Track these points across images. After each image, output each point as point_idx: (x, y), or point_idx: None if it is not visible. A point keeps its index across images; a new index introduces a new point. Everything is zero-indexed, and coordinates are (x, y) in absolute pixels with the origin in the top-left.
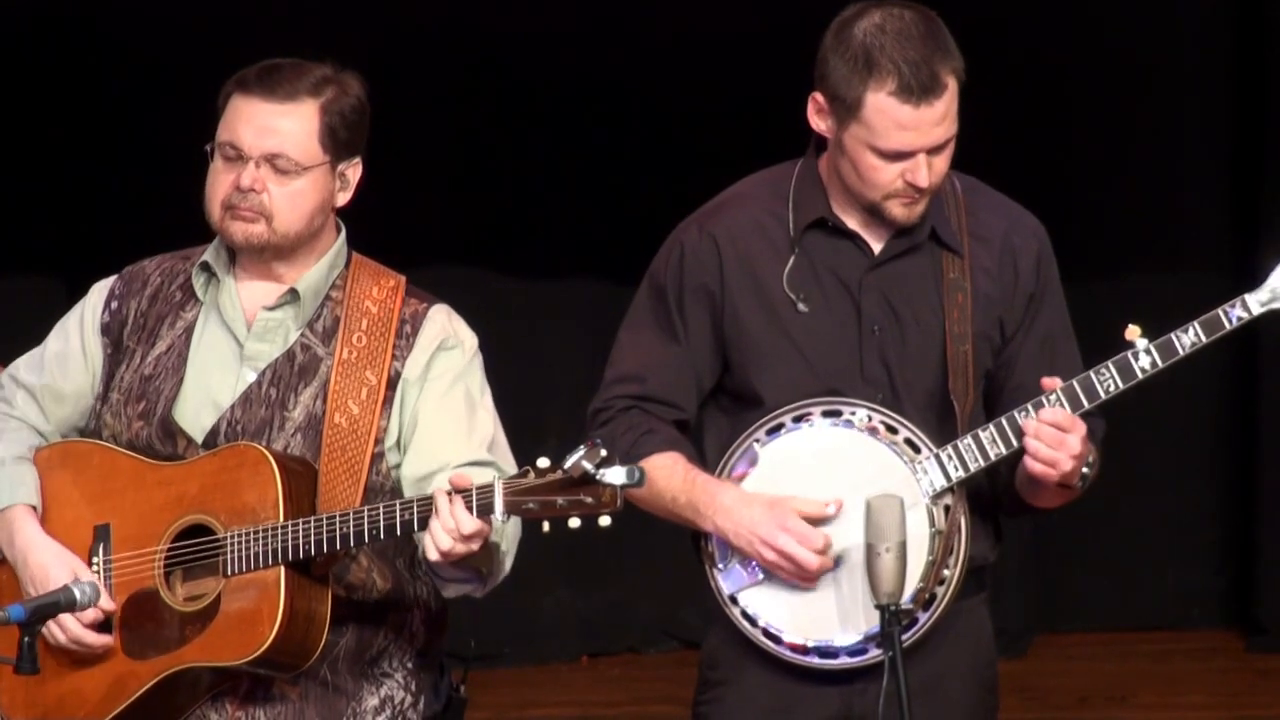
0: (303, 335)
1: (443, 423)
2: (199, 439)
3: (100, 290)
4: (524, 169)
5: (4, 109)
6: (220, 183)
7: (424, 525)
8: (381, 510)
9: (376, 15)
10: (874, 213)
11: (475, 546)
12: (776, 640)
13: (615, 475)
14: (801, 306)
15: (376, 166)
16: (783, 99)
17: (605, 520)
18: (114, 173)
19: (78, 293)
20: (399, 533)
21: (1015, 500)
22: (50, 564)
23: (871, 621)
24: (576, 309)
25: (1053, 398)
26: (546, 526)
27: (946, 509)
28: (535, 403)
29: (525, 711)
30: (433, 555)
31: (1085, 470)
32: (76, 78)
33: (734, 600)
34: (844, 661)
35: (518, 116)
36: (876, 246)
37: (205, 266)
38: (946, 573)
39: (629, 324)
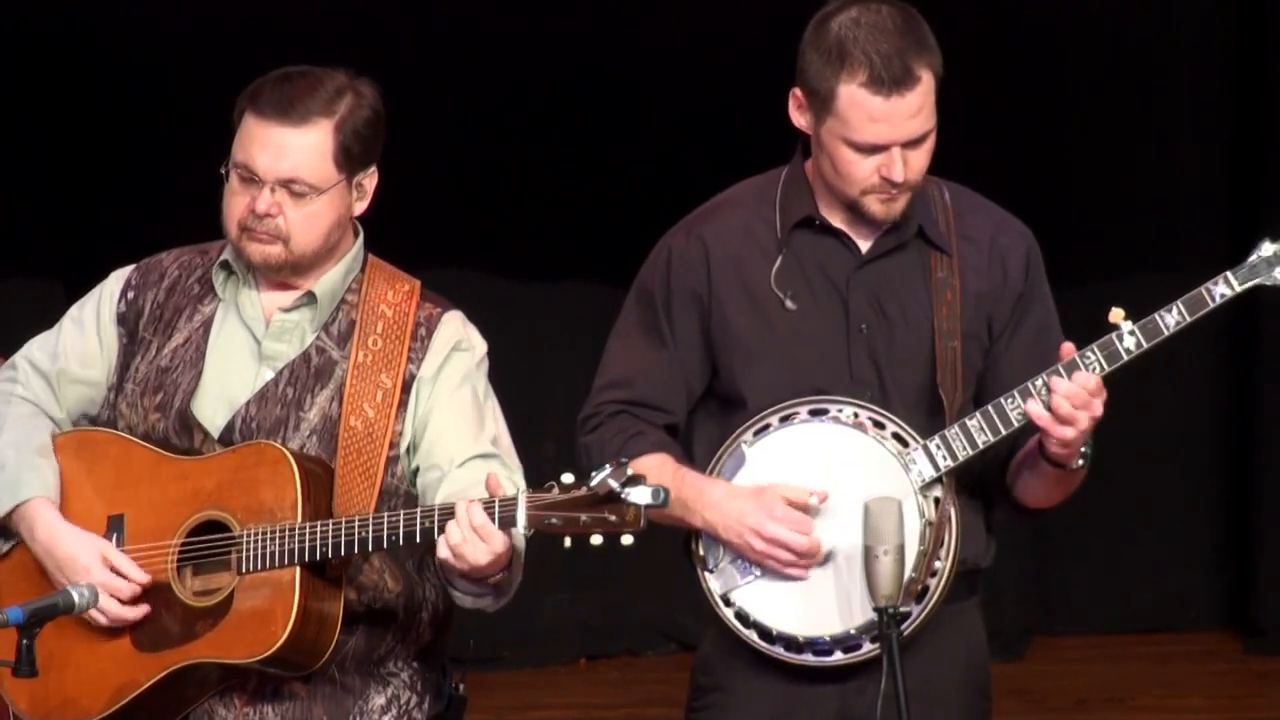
0: (318, 338)
1: (451, 418)
2: (215, 434)
3: (117, 279)
4: (523, 171)
5: (3, 111)
6: (236, 204)
7: (442, 532)
8: (402, 517)
9: (375, 16)
10: (854, 210)
11: (496, 546)
12: (770, 638)
13: (640, 495)
14: (789, 304)
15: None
16: (784, 102)
17: (628, 539)
18: (114, 174)
19: (76, 294)
20: (419, 540)
21: (1008, 499)
22: (77, 550)
23: (866, 613)
24: (576, 311)
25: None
26: (568, 542)
27: (936, 501)
28: (534, 405)
29: (524, 714)
30: (443, 552)
31: (1085, 449)
32: (76, 80)
33: (726, 600)
34: (838, 658)
35: (517, 119)
36: (864, 245)
37: (226, 265)
38: (938, 564)
39: (617, 331)
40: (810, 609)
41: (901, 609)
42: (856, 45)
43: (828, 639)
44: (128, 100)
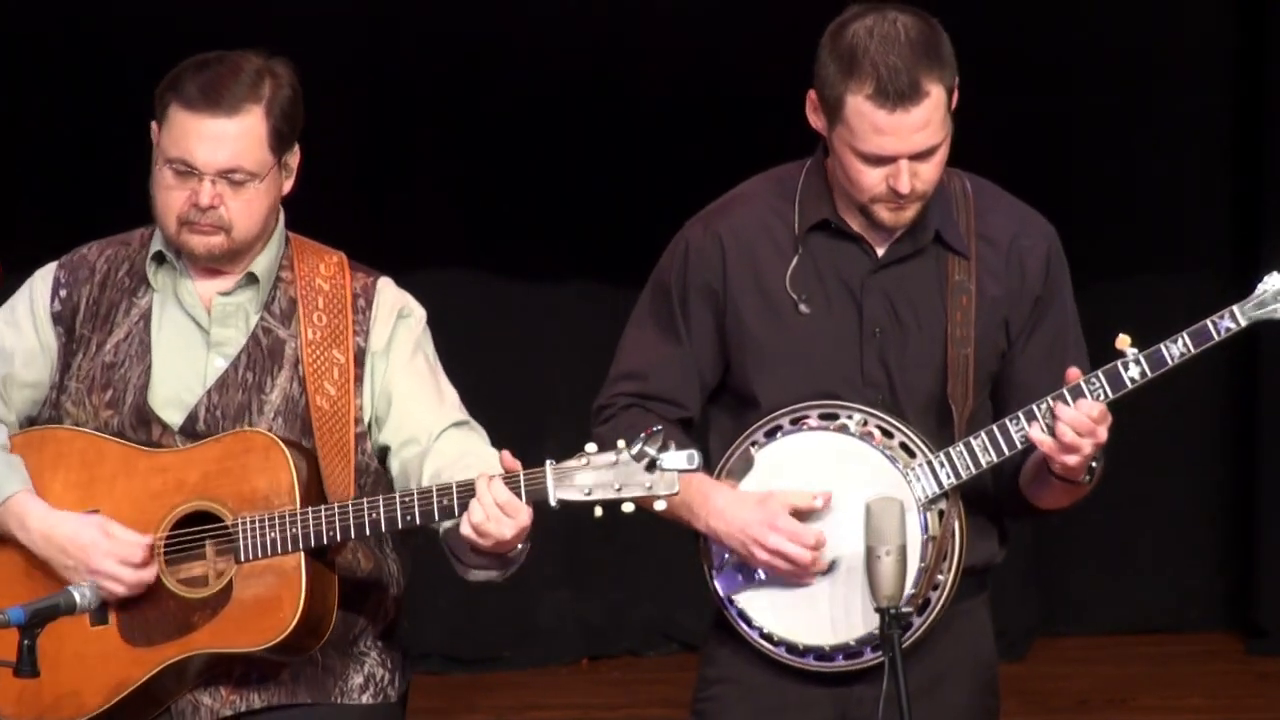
0: (262, 318)
1: (413, 389)
2: (175, 426)
3: (44, 279)
4: (524, 170)
5: (3, 110)
6: (174, 198)
7: (463, 510)
8: (416, 496)
9: (374, 15)
10: (865, 214)
11: (523, 520)
12: (772, 641)
13: (674, 460)
14: (803, 308)
15: (376, 169)
16: (786, 100)
17: (660, 505)
18: (111, 174)
19: None
20: (437, 519)
21: (1020, 502)
22: (78, 529)
23: (867, 625)
24: (576, 310)
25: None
26: (599, 511)
27: (941, 514)
28: (535, 404)
29: (525, 714)
30: (465, 531)
31: (1093, 464)
32: (76, 79)
33: (730, 602)
34: (840, 664)
35: (517, 117)
36: (880, 249)
37: (159, 256)
38: (941, 578)
39: (634, 321)
40: (813, 617)
41: (905, 610)
42: (866, 56)
43: (828, 648)
44: (126, 100)
